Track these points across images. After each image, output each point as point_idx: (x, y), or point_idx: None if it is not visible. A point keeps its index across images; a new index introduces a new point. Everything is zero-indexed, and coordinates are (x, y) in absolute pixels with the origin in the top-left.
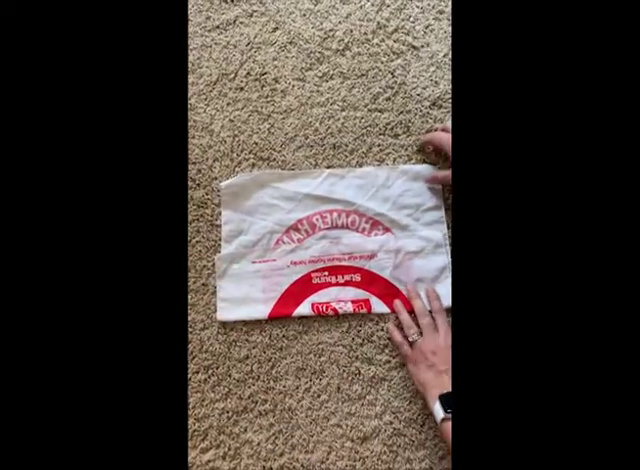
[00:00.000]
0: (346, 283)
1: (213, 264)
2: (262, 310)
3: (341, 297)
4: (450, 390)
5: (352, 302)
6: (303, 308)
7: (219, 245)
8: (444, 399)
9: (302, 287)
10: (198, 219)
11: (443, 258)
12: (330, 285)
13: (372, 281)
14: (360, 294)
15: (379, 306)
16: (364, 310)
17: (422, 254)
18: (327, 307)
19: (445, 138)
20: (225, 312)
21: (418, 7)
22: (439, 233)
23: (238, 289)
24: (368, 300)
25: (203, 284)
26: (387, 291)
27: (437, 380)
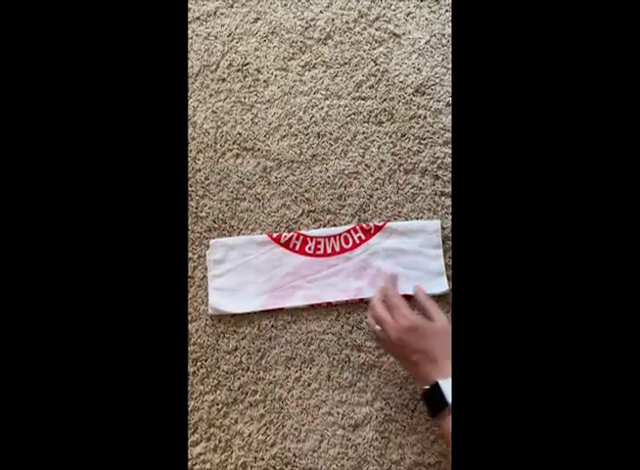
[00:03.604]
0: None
1: (199, 257)
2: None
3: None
4: None
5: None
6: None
7: (204, 237)
8: None
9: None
10: None
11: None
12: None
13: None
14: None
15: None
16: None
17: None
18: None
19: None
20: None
21: None
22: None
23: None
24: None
25: (189, 276)
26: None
27: None
